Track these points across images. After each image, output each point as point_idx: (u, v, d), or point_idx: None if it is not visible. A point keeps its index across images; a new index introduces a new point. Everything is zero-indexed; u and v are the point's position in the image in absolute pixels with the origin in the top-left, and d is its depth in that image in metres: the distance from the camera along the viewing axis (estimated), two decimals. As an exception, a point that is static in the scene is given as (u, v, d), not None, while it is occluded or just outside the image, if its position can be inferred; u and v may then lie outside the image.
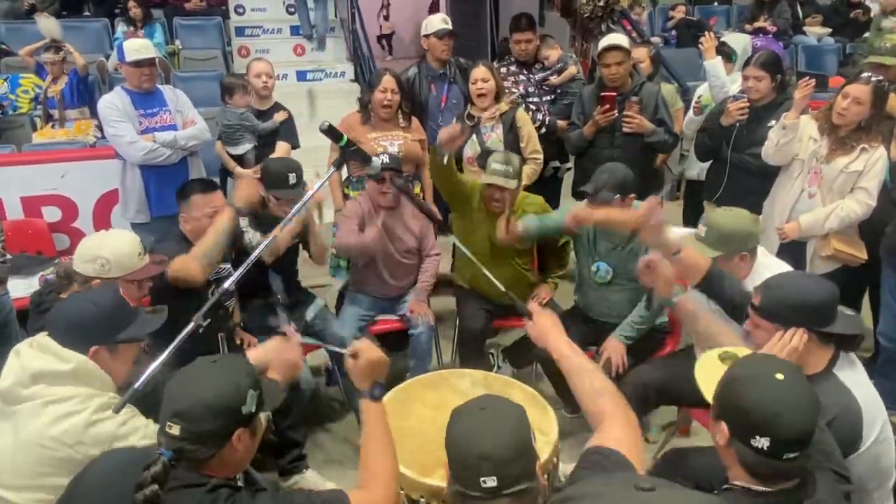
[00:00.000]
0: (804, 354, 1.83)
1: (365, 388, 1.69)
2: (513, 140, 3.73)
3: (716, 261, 2.26)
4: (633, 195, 2.86)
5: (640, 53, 4.31)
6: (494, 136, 3.73)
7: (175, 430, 1.39)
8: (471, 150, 3.75)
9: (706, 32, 4.17)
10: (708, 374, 1.66)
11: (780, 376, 1.46)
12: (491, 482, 1.28)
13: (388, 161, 3.13)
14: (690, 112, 4.07)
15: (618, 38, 3.62)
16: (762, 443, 1.42)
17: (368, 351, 1.68)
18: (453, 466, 1.36)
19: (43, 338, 1.77)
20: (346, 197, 3.79)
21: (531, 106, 4.15)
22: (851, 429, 1.76)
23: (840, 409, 1.76)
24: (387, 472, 1.61)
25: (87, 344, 1.76)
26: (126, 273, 2.25)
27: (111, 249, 2.24)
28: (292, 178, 2.96)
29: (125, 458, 1.52)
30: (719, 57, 3.99)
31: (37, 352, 1.74)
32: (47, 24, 5.83)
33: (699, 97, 4.04)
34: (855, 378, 1.85)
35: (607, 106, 3.54)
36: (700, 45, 4.05)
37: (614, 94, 3.58)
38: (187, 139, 3.62)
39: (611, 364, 2.86)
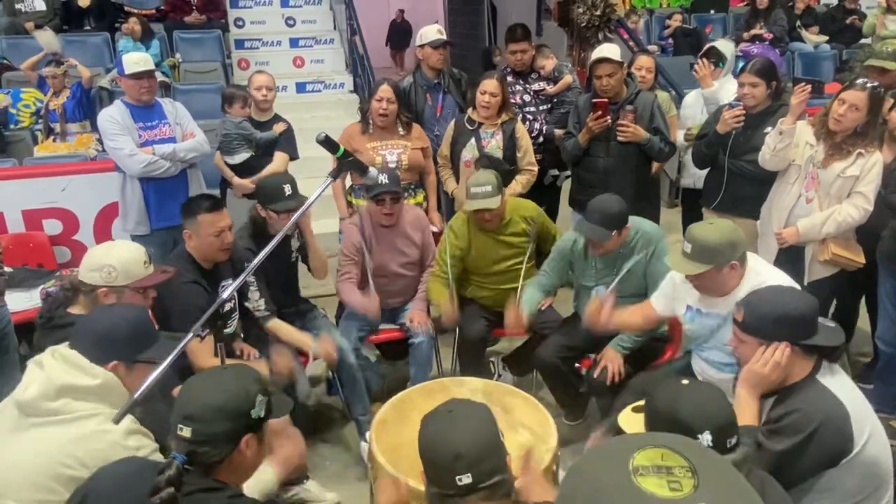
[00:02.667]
0: (787, 366, 1.86)
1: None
2: (511, 149, 3.76)
3: (706, 273, 2.28)
4: (628, 225, 2.88)
5: (646, 62, 4.31)
6: (493, 143, 3.75)
7: (186, 432, 1.43)
8: (469, 154, 3.77)
9: (698, 60, 4.09)
10: (635, 427, 1.73)
11: (684, 382, 1.61)
12: (466, 479, 1.37)
13: (386, 182, 3.11)
14: (680, 137, 4.10)
15: (609, 50, 3.61)
16: (706, 439, 1.49)
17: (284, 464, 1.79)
18: (428, 469, 1.44)
19: (66, 350, 1.77)
20: (349, 205, 3.81)
21: (528, 116, 4.17)
22: (841, 432, 1.77)
23: (826, 413, 1.78)
24: None
25: (109, 357, 1.77)
26: (132, 281, 2.25)
27: (117, 257, 2.24)
28: (287, 190, 2.98)
29: (133, 467, 1.54)
30: (716, 83, 3.99)
31: (62, 364, 1.74)
32: (46, 38, 5.85)
33: (689, 129, 4.04)
34: (838, 383, 1.87)
35: (600, 112, 3.55)
36: (695, 73, 4.02)
37: (606, 100, 3.59)
38: (186, 151, 3.63)
39: (607, 373, 2.86)
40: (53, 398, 1.68)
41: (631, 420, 1.76)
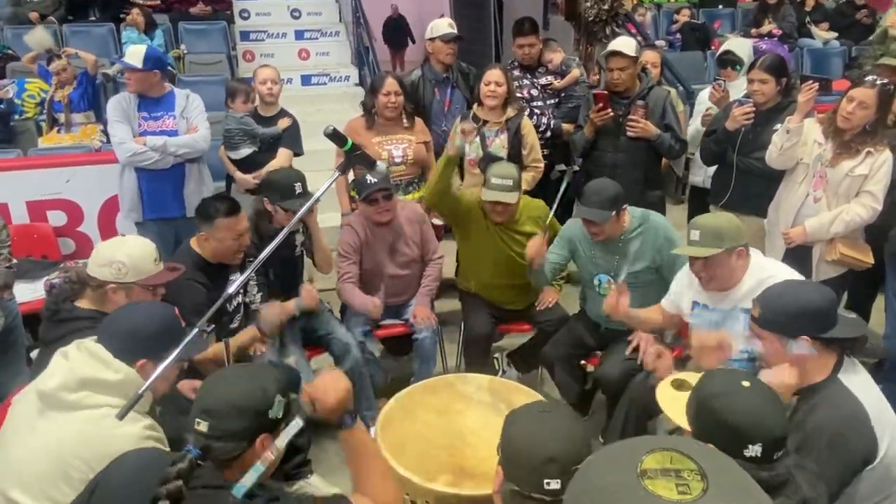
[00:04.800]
0: (807, 362, 1.83)
1: (334, 421, 1.65)
2: (517, 146, 3.73)
3: (715, 258, 2.28)
4: (626, 206, 2.88)
5: (651, 57, 4.28)
6: (498, 142, 3.72)
7: (203, 426, 1.43)
8: (473, 153, 3.74)
9: (713, 85, 4.03)
10: (671, 403, 1.69)
11: (746, 383, 1.52)
12: (555, 484, 1.32)
13: (377, 182, 3.08)
14: (697, 122, 4.04)
15: (623, 44, 3.58)
16: (755, 450, 1.44)
17: (324, 397, 1.60)
18: (513, 467, 1.38)
19: (92, 343, 1.76)
20: (352, 199, 3.79)
21: (535, 110, 4.14)
22: (865, 435, 1.74)
23: (850, 419, 1.75)
24: (386, 491, 1.62)
25: (137, 355, 1.76)
26: (142, 278, 2.23)
27: (127, 254, 2.22)
28: (298, 188, 2.97)
29: (147, 458, 1.54)
30: (733, 84, 3.95)
31: (87, 357, 1.73)
32: (36, 39, 5.81)
33: (708, 108, 4.01)
34: (859, 382, 1.84)
35: (601, 104, 3.54)
36: (711, 98, 3.97)
37: (606, 92, 3.57)
38: (178, 147, 3.60)
39: (638, 352, 2.87)
40: (74, 390, 1.68)
41: (670, 399, 1.70)
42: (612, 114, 3.55)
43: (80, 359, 1.73)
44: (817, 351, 1.84)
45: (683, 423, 1.59)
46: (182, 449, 1.44)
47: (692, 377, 1.75)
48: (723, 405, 1.48)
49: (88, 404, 1.68)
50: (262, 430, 1.48)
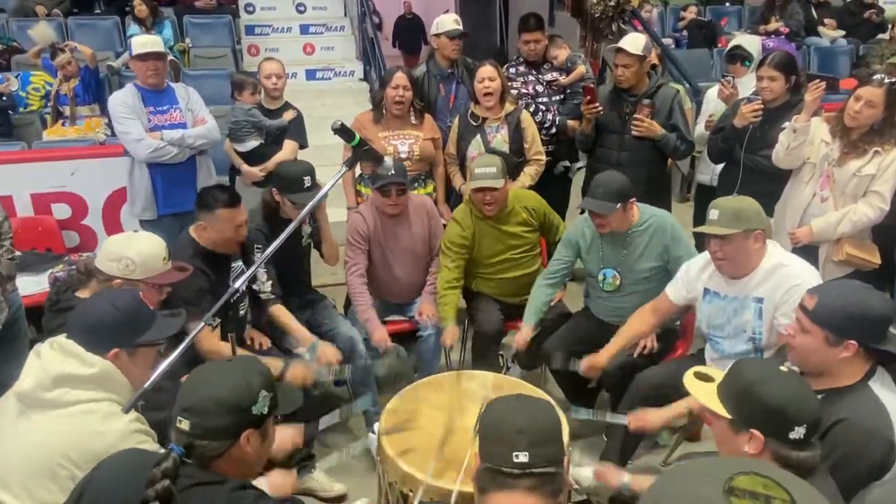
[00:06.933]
0: (842, 364, 1.80)
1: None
2: (518, 140, 3.72)
3: (732, 238, 2.30)
4: (633, 199, 2.87)
5: None
6: (499, 137, 3.71)
7: (185, 424, 1.40)
8: (475, 150, 3.72)
9: (722, 80, 4.00)
10: (700, 392, 1.68)
11: (783, 368, 1.57)
12: (523, 457, 1.34)
13: (393, 173, 3.06)
14: (701, 126, 4.03)
15: (629, 41, 3.56)
16: (800, 432, 1.47)
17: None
18: (486, 445, 1.41)
19: (64, 339, 1.74)
20: (358, 194, 3.78)
21: (541, 106, 4.13)
22: (884, 450, 1.69)
23: (870, 430, 1.70)
24: None
25: (106, 346, 1.73)
26: (149, 276, 2.23)
27: (137, 251, 2.22)
28: (307, 182, 2.96)
29: (134, 458, 1.51)
30: (742, 80, 3.93)
31: (59, 354, 1.70)
32: (39, 33, 5.82)
33: (711, 115, 3.98)
34: (886, 391, 1.80)
35: (588, 97, 3.55)
36: (720, 95, 3.95)
37: (593, 85, 3.60)
38: (195, 138, 3.61)
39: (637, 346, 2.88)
40: (50, 388, 1.65)
41: (698, 389, 1.69)
42: (600, 107, 3.56)
43: (53, 356, 1.70)
44: (856, 357, 1.79)
45: (719, 408, 1.59)
46: (166, 444, 1.42)
47: (711, 371, 1.75)
48: (768, 390, 1.51)
49: (67, 401, 1.66)
50: (246, 426, 1.45)
